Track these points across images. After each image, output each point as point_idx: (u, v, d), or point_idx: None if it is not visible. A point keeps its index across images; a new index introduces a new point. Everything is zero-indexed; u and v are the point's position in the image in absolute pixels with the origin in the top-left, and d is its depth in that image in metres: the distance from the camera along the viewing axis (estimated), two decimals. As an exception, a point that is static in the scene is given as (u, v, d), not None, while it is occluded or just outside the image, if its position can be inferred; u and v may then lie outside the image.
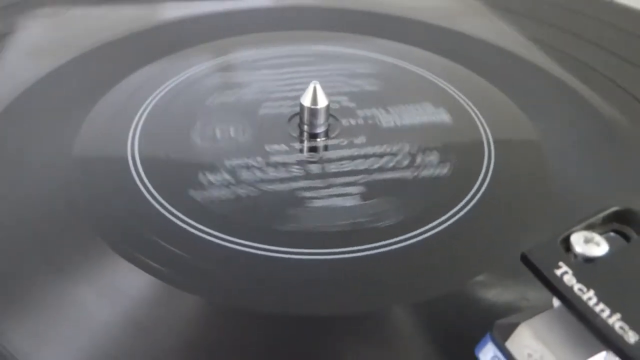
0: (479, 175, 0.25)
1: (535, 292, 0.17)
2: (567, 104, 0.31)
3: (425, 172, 0.25)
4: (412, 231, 0.22)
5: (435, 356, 0.18)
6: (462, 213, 0.23)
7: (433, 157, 0.26)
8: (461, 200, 0.23)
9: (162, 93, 0.29)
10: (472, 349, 0.16)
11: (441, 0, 0.43)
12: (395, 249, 0.21)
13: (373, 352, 0.18)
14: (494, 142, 0.27)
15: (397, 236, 0.21)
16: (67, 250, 0.20)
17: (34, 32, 0.35)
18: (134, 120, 0.27)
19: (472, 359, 0.16)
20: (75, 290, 0.19)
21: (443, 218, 0.22)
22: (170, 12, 0.39)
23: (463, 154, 0.26)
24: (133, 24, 0.36)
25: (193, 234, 0.21)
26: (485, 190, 0.24)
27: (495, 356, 0.15)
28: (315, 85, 0.26)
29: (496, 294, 0.19)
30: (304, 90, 0.26)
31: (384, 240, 0.21)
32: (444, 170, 0.25)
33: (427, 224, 0.22)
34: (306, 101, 0.26)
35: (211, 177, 0.24)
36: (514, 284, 0.19)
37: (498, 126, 0.28)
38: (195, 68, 0.32)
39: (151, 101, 0.28)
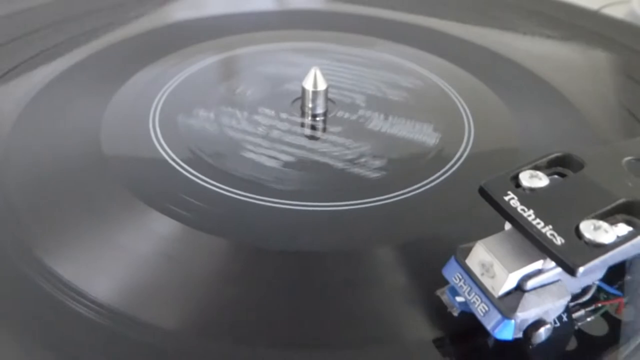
0: (459, 148, 0.28)
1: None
2: (540, 94, 0.34)
3: (413, 144, 0.28)
4: (399, 190, 0.25)
5: (411, 282, 0.21)
6: (440, 179, 0.26)
7: (421, 132, 0.29)
8: (440, 170, 0.27)
9: (181, 78, 0.33)
10: (440, 276, 0.19)
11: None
12: (383, 204, 0.24)
13: (359, 282, 0.21)
14: (474, 122, 0.30)
15: (386, 193, 0.25)
16: (104, 202, 0.24)
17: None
18: (154, 101, 0.31)
19: (440, 279, 0.19)
20: (114, 234, 0.22)
21: (426, 181, 0.26)
22: (182, 13, 0.43)
23: (446, 132, 0.29)
24: (151, 22, 0.40)
25: (207, 187, 0.25)
26: (463, 162, 0.28)
27: (457, 272, 0.19)
28: (315, 71, 0.30)
29: (463, 236, 0.22)
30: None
31: (373, 197, 0.25)
32: (429, 142, 0.29)
33: (412, 185, 0.26)
34: (307, 84, 0.30)
35: (219, 146, 0.27)
36: (480, 230, 0.22)
37: (479, 111, 0.31)
38: (207, 60, 0.35)
39: (173, 83, 0.32)
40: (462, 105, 0.32)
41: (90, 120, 0.29)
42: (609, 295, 0.20)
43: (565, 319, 0.20)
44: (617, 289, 0.21)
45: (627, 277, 0.22)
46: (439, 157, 0.28)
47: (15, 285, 0.20)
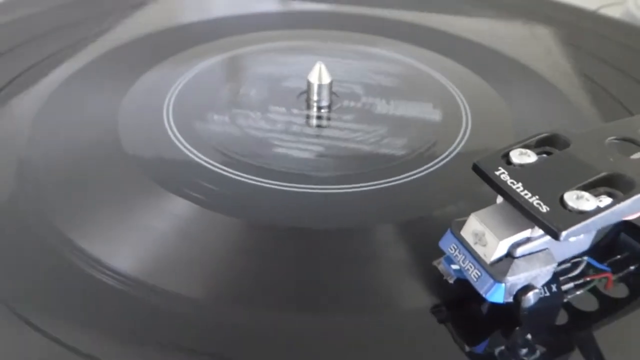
0: (457, 135, 0.30)
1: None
2: (536, 88, 0.36)
3: (413, 132, 0.30)
4: (400, 174, 0.27)
5: (412, 256, 0.22)
6: (439, 165, 0.28)
7: (420, 120, 0.31)
8: (438, 157, 0.28)
9: (191, 75, 0.35)
10: (437, 248, 0.21)
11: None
12: (385, 187, 0.26)
13: (364, 256, 0.23)
14: (471, 114, 0.32)
15: (387, 177, 0.26)
16: (125, 187, 0.26)
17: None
18: (167, 95, 0.33)
19: (437, 250, 0.21)
20: (135, 214, 0.24)
21: (425, 167, 0.27)
22: (189, 15, 0.45)
23: (444, 123, 0.31)
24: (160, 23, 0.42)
25: (218, 172, 0.26)
26: (461, 148, 0.29)
27: (452, 244, 0.20)
28: (320, 65, 0.32)
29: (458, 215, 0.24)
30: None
31: (375, 180, 0.26)
32: (428, 131, 0.30)
33: (411, 171, 0.27)
34: (312, 78, 0.32)
35: (230, 135, 0.29)
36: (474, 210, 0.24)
37: (476, 104, 0.33)
38: (214, 59, 0.37)
39: (183, 80, 0.34)
40: (460, 98, 0.34)
41: (107, 114, 0.31)
42: (597, 271, 0.22)
43: (555, 289, 0.21)
44: (607, 266, 0.22)
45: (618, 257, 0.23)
46: (438, 145, 0.29)
47: (48, 260, 0.22)
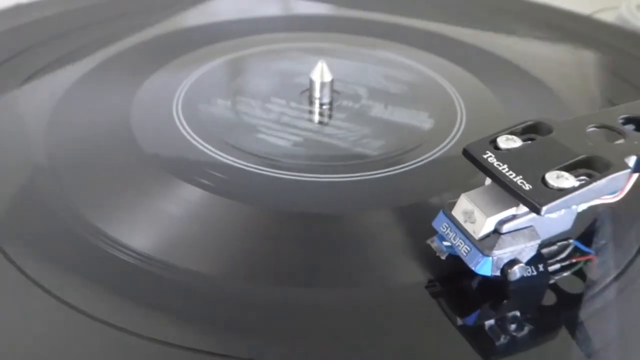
0: (451, 132, 0.31)
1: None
2: (531, 89, 0.37)
3: (410, 128, 0.32)
4: (396, 165, 0.28)
5: (406, 237, 0.24)
6: (432, 157, 0.29)
7: (418, 119, 0.32)
8: (432, 150, 0.30)
9: (199, 74, 0.37)
10: (430, 229, 0.22)
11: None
12: (382, 177, 0.28)
13: (360, 238, 0.24)
14: (466, 112, 0.34)
15: (384, 168, 0.28)
16: (135, 175, 0.27)
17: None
18: (176, 92, 0.34)
19: (431, 231, 0.22)
20: (150, 200, 0.26)
21: (420, 159, 0.29)
22: (197, 19, 0.47)
23: (440, 119, 0.33)
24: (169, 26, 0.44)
25: (225, 162, 0.28)
26: (454, 144, 0.31)
27: (444, 223, 0.22)
28: (322, 64, 0.33)
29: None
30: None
31: (373, 170, 0.28)
32: (425, 126, 0.32)
33: (407, 162, 0.29)
34: (315, 76, 0.33)
35: (235, 127, 0.31)
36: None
37: (472, 102, 0.35)
38: (221, 58, 0.39)
39: (191, 78, 0.36)
40: (456, 97, 0.35)
41: (121, 109, 0.32)
42: (583, 254, 0.23)
43: (542, 269, 0.22)
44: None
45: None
46: (432, 140, 0.31)
47: (73, 241, 0.24)
